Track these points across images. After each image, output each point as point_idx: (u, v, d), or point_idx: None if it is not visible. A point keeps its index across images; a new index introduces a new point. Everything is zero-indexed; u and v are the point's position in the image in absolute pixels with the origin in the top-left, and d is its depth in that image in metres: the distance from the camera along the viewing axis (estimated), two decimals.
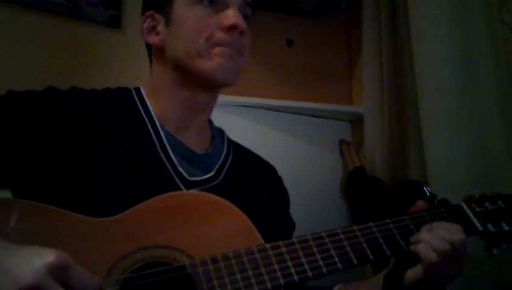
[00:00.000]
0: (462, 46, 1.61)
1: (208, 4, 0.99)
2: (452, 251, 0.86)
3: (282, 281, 0.79)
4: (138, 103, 1.02)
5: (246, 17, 1.03)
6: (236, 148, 1.12)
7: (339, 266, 0.83)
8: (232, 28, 0.97)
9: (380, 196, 2.02)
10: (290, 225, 1.13)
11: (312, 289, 1.08)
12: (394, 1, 2.05)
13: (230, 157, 1.08)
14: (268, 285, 0.78)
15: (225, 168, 1.04)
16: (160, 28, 1.02)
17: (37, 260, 0.63)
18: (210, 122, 1.12)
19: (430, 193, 1.01)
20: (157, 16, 1.03)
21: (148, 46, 1.07)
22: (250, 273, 0.78)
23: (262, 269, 0.79)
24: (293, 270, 0.80)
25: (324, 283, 1.03)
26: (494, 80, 1.58)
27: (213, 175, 1.01)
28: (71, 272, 0.66)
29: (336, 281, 1.04)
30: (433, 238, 0.86)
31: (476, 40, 1.61)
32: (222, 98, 1.10)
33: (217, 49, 0.97)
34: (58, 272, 0.64)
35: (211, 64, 0.97)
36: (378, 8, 2.10)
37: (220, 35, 0.98)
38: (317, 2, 2.16)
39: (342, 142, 2.25)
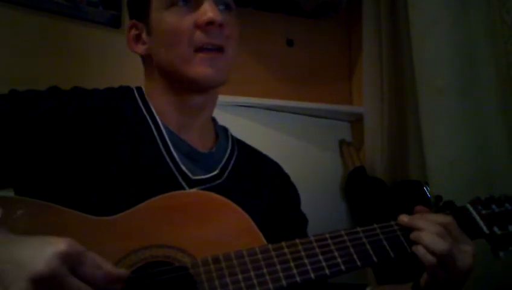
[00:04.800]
0: (462, 46, 1.60)
1: (182, 4, 0.96)
2: (451, 251, 0.85)
3: (284, 282, 0.78)
4: (140, 102, 1.02)
5: (227, 6, 1.00)
6: (241, 146, 1.12)
7: (342, 267, 0.83)
8: (209, 24, 0.95)
9: (380, 196, 2.02)
10: (302, 220, 1.13)
11: (340, 286, 1.08)
12: (394, 1, 2.05)
13: (235, 155, 1.07)
14: (270, 286, 0.77)
15: (229, 167, 1.04)
16: (144, 36, 1.02)
17: (49, 248, 0.63)
18: (214, 120, 1.12)
19: (436, 196, 1.00)
20: (139, 24, 1.02)
21: None
22: (252, 273, 0.78)
23: (264, 270, 0.79)
24: (295, 271, 0.80)
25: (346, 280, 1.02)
26: (494, 80, 1.58)
27: (217, 174, 1.01)
28: (83, 260, 0.66)
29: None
30: (431, 239, 0.85)
31: (476, 40, 1.60)
32: (222, 98, 1.10)
33: (198, 57, 0.96)
34: (70, 260, 0.64)
35: (194, 71, 0.96)
36: (378, 8, 2.10)
37: (199, 35, 0.95)
38: (317, 2, 2.16)
39: (342, 143, 2.25)
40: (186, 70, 0.96)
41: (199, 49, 0.96)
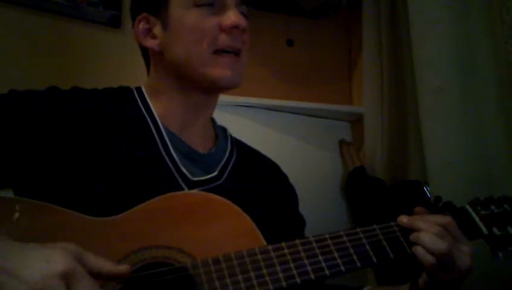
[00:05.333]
0: (462, 46, 1.60)
1: (206, 6, 0.98)
2: (451, 251, 0.85)
3: (284, 283, 0.78)
4: (140, 103, 1.02)
5: (244, 15, 1.02)
6: (240, 146, 1.12)
7: (342, 268, 0.83)
8: (233, 27, 0.98)
9: (380, 196, 2.02)
10: (300, 221, 1.13)
11: (337, 288, 1.08)
12: (394, 1, 2.05)
13: (234, 156, 1.08)
14: (270, 287, 0.77)
15: (228, 168, 1.04)
16: (157, 31, 1.01)
17: (48, 266, 0.64)
18: (213, 121, 1.12)
19: (435, 196, 1.00)
20: (151, 18, 1.02)
21: (144, 48, 1.07)
22: (252, 274, 0.78)
23: (264, 271, 0.79)
24: (295, 272, 0.80)
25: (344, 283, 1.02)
26: (494, 80, 1.58)
27: (216, 175, 1.01)
28: (81, 278, 0.66)
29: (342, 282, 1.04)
30: (430, 239, 0.86)
31: (476, 40, 1.60)
32: (222, 98, 1.10)
33: (218, 59, 0.98)
34: (68, 277, 0.65)
35: (213, 73, 0.98)
36: (378, 8, 2.10)
37: (222, 38, 0.98)
38: (317, 2, 2.16)
39: (342, 142, 2.25)
40: (204, 71, 0.98)
41: (219, 51, 0.98)
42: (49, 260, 0.65)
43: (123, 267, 0.73)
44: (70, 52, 1.75)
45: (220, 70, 0.98)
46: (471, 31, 1.61)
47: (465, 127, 1.58)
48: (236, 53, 1.00)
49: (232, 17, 0.97)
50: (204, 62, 0.97)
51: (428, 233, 0.86)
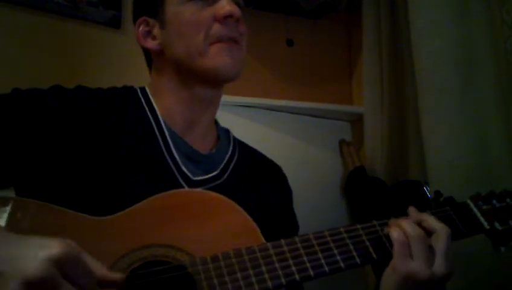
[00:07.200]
0: (462, 45, 1.60)
1: (199, 0, 0.99)
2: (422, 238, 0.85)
3: (283, 279, 0.78)
4: (143, 102, 1.02)
5: (239, 5, 1.03)
6: (242, 148, 1.13)
7: (341, 265, 0.83)
8: (227, 17, 0.98)
9: (380, 196, 2.02)
10: (295, 225, 1.13)
11: None
12: (394, 1, 2.05)
13: (236, 157, 1.08)
14: (269, 284, 0.77)
15: (230, 168, 1.04)
16: (156, 31, 1.03)
17: (43, 252, 0.63)
18: (216, 122, 1.12)
19: (435, 191, 1.00)
20: (150, 20, 1.03)
21: (146, 50, 1.08)
22: (250, 272, 0.78)
23: (263, 268, 0.79)
24: (294, 269, 0.80)
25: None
26: (494, 80, 1.57)
27: (217, 174, 1.01)
28: (77, 264, 0.65)
29: (338, 282, 1.04)
30: (408, 223, 0.86)
31: (476, 40, 1.60)
32: (222, 98, 1.10)
33: (215, 47, 0.98)
34: (63, 264, 0.63)
35: (211, 63, 0.97)
36: (378, 8, 2.10)
37: (216, 28, 0.98)
38: (317, 2, 2.16)
39: (342, 142, 2.24)
40: (204, 62, 0.97)
41: (215, 42, 0.98)
42: (44, 246, 0.64)
43: (117, 276, 0.71)
44: (70, 52, 1.75)
45: (219, 58, 0.97)
46: (471, 30, 1.60)
47: (465, 126, 1.58)
48: (235, 41, 1.00)
49: (225, 6, 0.97)
50: (203, 53, 0.97)
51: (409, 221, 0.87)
